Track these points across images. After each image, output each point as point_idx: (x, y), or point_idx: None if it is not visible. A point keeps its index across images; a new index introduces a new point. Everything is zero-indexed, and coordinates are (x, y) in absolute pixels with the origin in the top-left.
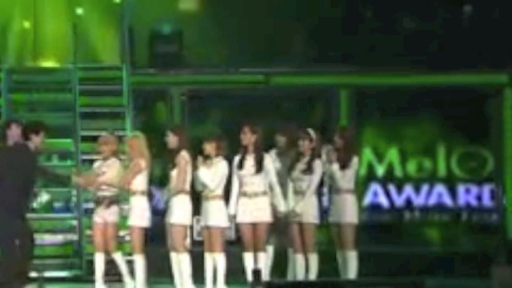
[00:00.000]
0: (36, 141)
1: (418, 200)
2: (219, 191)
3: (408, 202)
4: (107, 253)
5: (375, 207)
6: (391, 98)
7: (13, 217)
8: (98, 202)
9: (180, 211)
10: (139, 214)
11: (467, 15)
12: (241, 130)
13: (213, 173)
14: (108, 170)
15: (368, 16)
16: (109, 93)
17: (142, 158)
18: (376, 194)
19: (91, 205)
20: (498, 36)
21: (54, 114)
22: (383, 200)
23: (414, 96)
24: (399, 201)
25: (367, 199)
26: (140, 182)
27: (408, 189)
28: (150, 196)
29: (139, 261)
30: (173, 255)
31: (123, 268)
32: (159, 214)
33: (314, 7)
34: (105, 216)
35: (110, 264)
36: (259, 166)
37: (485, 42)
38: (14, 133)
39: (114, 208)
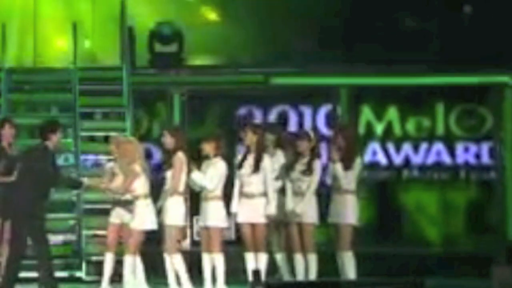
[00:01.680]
0: (54, 140)
1: (417, 159)
2: (218, 191)
3: (407, 160)
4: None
5: (373, 165)
6: (390, 98)
7: (29, 218)
8: (115, 203)
9: (174, 212)
10: (141, 218)
11: (467, 15)
12: (242, 130)
13: (211, 173)
14: (120, 172)
15: (368, 16)
16: (109, 93)
17: (136, 163)
18: (374, 152)
19: (90, 205)
20: (498, 36)
21: (54, 114)
22: (381, 158)
23: (414, 96)
24: (397, 159)
25: (366, 158)
26: (140, 185)
27: (407, 148)
28: (149, 156)
29: (135, 262)
30: (167, 256)
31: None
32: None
33: (314, 7)
34: (124, 217)
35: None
36: (256, 166)
37: (485, 42)
38: (7, 132)
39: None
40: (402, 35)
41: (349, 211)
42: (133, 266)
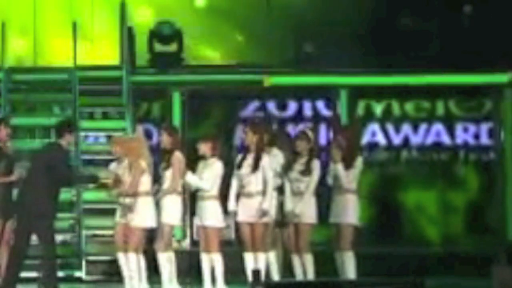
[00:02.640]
0: (69, 139)
1: (416, 139)
2: (214, 191)
3: (406, 140)
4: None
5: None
6: (390, 98)
7: (40, 217)
8: (122, 205)
9: (171, 211)
10: (142, 216)
11: (467, 15)
12: (243, 130)
13: (207, 174)
14: (125, 172)
15: (368, 16)
16: (109, 93)
17: (142, 159)
18: (374, 133)
19: (89, 205)
20: (498, 36)
21: (54, 114)
22: (380, 139)
23: (414, 96)
24: (397, 139)
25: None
26: (143, 183)
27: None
28: (149, 136)
29: (140, 261)
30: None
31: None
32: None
33: (314, 6)
34: (129, 216)
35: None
36: (255, 166)
37: (485, 42)
38: (3, 132)
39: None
40: (402, 35)
41: (350, 211)
42: (138, 264)
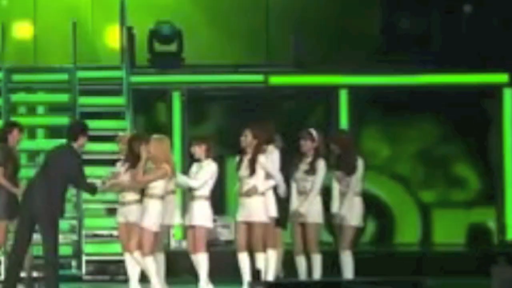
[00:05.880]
0: (82, 141)
1: None
2: (205, 191)
3: None
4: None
5: None
6: (391, 98)
7: (47, 216)
8: (122, 202)
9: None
10: (154, 218)
11: (467, 15)
12: (243, 132)
13: (201, 174)
14: (125, 174)
15: (367, 16)
16: (109, 93)
17: (167, 163)
18: None
19: (89, 205)
20: (498, 36)
21: (54, 114)
22: None
23: (414, 96)
24: None
25: None
26: (160, 186)
27: None
28: None
29: (150, 262)
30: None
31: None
32: None
33: (314, 7)
34: (128, 216)
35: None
36: (252, 170)
37: (485, 42)
38: (15, 137)
39: (136, 208)
40: (402, 35)
41: (354, 212)
42: (155, 266)
